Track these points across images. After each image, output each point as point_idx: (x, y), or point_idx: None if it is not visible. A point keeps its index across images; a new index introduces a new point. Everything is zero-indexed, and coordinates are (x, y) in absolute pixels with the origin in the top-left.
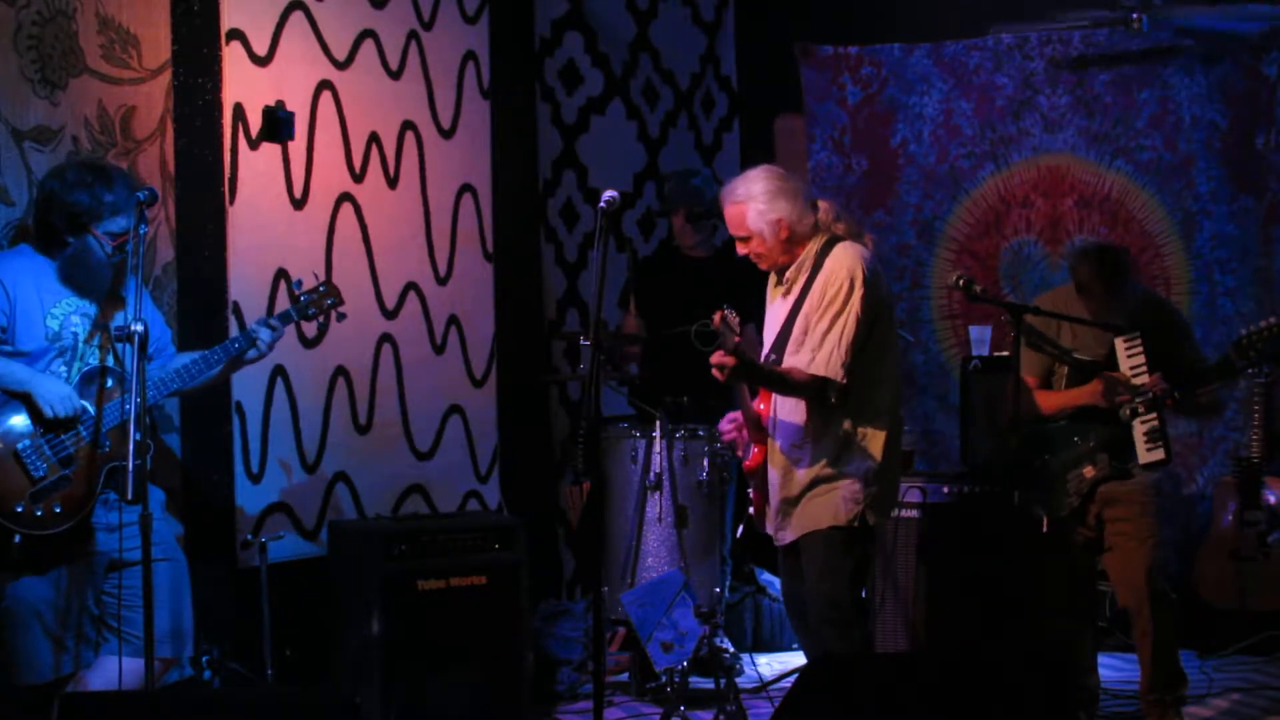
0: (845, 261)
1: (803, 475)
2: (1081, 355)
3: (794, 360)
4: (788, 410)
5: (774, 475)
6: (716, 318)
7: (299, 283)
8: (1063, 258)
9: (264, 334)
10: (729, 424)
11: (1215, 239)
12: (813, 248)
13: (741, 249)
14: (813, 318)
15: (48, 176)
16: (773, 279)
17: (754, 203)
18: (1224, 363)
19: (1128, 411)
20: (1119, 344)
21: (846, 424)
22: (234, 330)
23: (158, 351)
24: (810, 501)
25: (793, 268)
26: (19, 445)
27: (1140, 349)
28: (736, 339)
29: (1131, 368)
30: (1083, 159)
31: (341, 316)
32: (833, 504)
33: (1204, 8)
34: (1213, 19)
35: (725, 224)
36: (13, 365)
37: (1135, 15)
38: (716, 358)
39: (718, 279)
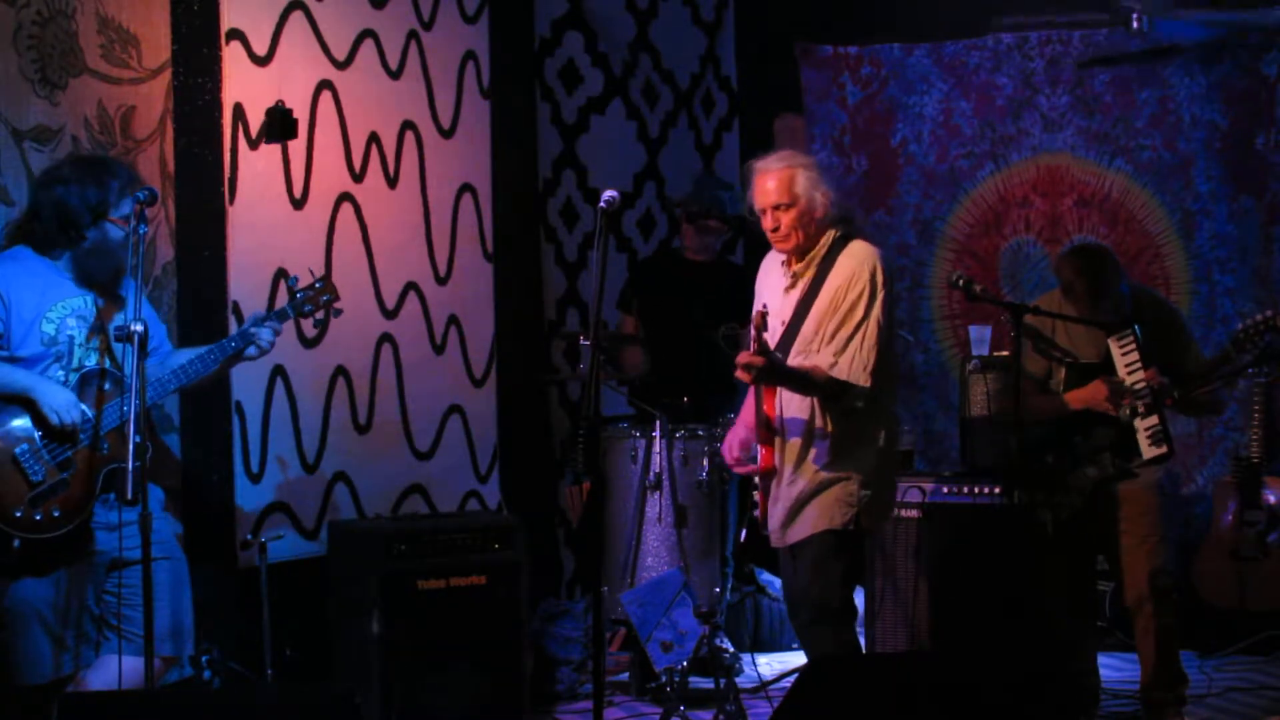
0: (867, 261)
1: (807, 476)
2: (1077, 358)
3: (808, 360)
4: (793, 411)
5: (782, 475)
6: (756, 317)
7: (295, 279)
8: None
9: (264, 334)
10: (728, 451)
11: (1215, 239)
12: (825, 243)
13: (773, 220)
14: (827, 317)
15: (47, 182)
16: (776, 269)
17: (806, 170)
18: (1223, 357)
19: (1127, 412)
20: (1112, 343)
21: (849, 427)
22: (234, 330)
23: (153, 349)
24: (811, 504)
25: (802, 262)
26: (17, 450)
27: (1133, 346)
28: (765, 337)
29: (1126, 365)
30: (1082, 159)
31: (338, 313)
32: (829, 507)
33: (1204, 8)
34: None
35: (731, 230)
36: (12, 369)
37: (1135, 15)
38: (744, 357)
39: (716, 283)
